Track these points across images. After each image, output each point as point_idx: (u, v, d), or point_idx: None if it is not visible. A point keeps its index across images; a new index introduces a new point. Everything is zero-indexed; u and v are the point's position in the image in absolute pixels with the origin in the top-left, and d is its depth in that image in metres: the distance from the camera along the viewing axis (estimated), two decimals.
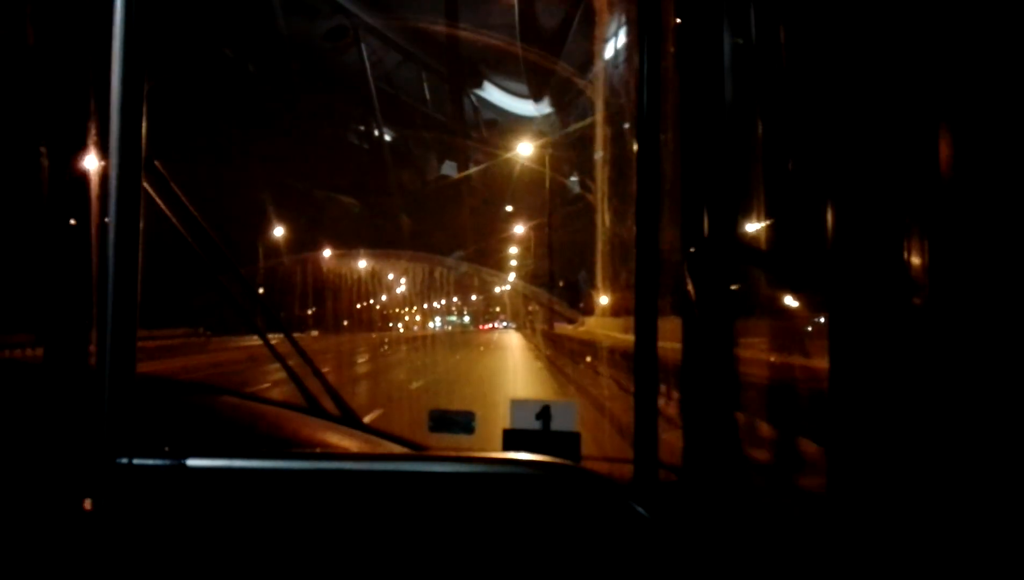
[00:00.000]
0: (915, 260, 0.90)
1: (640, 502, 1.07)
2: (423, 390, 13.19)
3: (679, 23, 1.36)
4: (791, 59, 1.37)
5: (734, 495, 1.21)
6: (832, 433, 1.00)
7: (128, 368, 1.11)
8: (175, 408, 1.77)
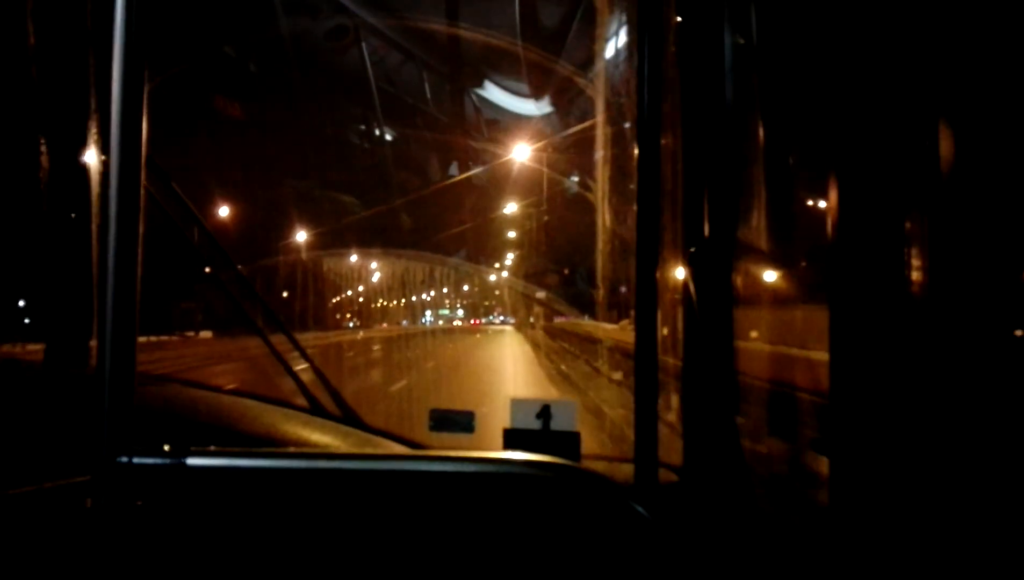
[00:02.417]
0: (916, 259, 0.90)
1: (640, 502, 1.07)
2: None
3: (680, 22, 1.35)
4: (792, 59, 1.37)
5: (734, 495, 1.21)
6: (833, 437, 1.00)
7: (128, 367, 1.11)
8: (175, 406, 1.77)
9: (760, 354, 1.51)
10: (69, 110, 1.74)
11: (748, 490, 1.21)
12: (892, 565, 0.92)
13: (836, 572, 0.99)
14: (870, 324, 0.93)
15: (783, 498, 1.37)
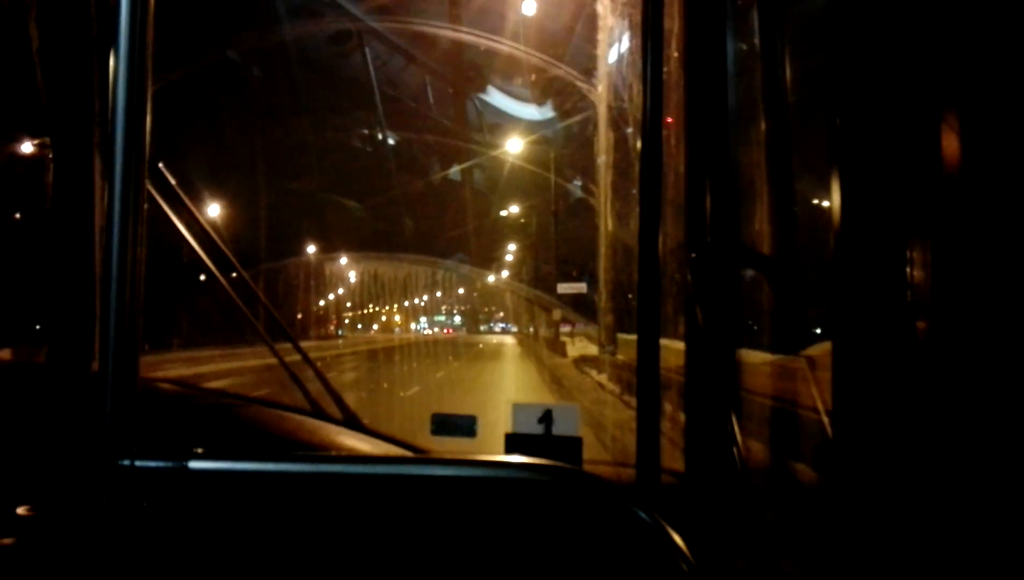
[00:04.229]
0: (919, 265, 0.90)
1: (642, 506, 1.07)
2: None
3: (682, 28, 1.36)
4: (794, 64, 1.37)
5: (735, 500, 1.20)
6: (836, 443, 1.00)
7: (131, 371, 1.11)
8: (178, 410, 1.77)
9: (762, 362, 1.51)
10: (72, 114, 1.75)
11: (749, 495, 1.21)
12: (891, 572, 0.91)
13: (836, 575, 0.99)
14: (873, 329, 0.93)
15: (784, 503, 1.36)
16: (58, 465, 1.24)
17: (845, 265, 0.96)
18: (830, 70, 1.01)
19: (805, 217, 1.46)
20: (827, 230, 0.99)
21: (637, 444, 1.13)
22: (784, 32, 1.36)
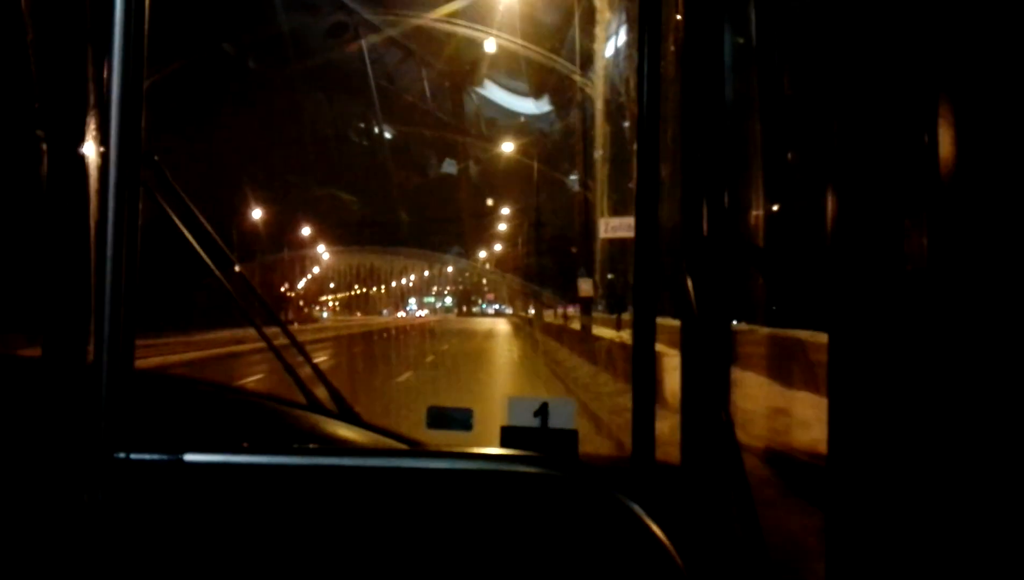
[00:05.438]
0: (917, 258, 0.90)
1: (637, 500, 1.07)
2: None
3: (680, 21, 1.36)
4: (791, 57, 1.37)
5: (731, 494, 1.21)
6: (836, 443, 1.00)
7: (126, 362, 1.11)
8: (173, 402, 1.77)
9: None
10: (67, 106, 1.74)
11: (744, 489, 1.21)
12: (892, 567, 0.92)
13: (833, 570, 0.99)
14: (871, 324, 0.93)
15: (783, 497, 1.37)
16: (53, 458, 1.23)
17: (842, 257, 0.96)
18: (828, 63, 1.01)
19: (802, 209, 1.46)
20: (823, 222, 0.99)
21: (632, 437, 1.13)
22: (781, 25, 1.36)
